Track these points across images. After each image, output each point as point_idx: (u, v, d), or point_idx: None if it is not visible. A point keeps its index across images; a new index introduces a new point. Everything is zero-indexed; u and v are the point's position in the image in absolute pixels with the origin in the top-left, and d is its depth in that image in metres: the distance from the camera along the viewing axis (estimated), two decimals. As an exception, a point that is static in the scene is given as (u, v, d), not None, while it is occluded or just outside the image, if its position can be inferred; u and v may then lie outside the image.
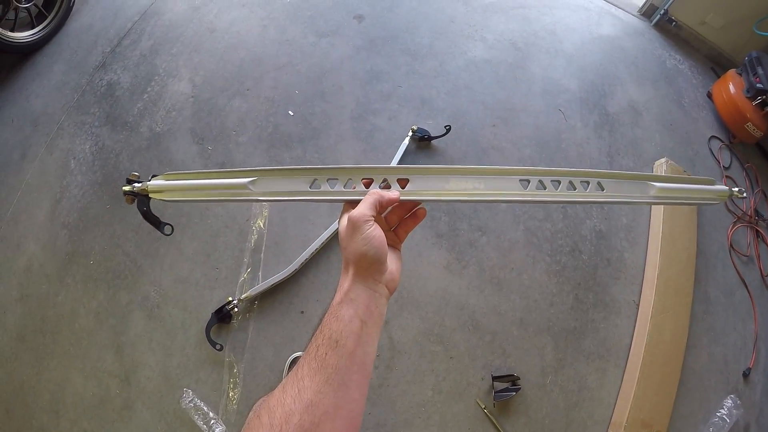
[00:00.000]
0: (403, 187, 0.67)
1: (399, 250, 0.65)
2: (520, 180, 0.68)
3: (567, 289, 1.73)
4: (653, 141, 2.18)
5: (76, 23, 2.45)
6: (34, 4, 2.26)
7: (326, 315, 0.56)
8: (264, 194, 0.68)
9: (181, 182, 0.71)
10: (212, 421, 1.50)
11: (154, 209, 0.73)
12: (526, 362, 1.60)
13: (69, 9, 2.42)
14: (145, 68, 2.18)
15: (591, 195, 0.70)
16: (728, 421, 1.62)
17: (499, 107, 2.06)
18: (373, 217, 0.58)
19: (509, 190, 0.68)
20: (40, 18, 2.33)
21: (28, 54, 2.35)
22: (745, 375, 1.73)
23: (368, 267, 0.57)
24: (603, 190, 0.70)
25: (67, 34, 2.41)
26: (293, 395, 0.50)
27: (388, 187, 0.67)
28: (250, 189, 0.68)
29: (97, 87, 2.16)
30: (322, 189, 0.67)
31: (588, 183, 0.70)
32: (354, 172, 0.67)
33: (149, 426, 1.51)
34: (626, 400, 1.56)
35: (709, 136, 2.33)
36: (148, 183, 0.71)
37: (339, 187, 0.67)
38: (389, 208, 0.66)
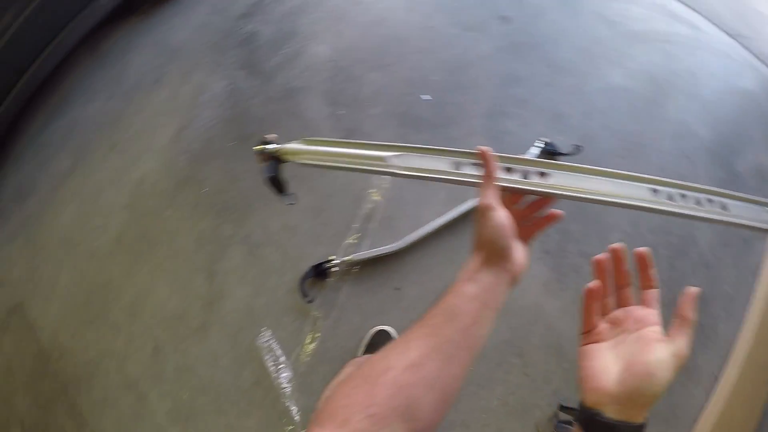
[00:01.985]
0: (542, 180, 0.66)
1: (527, 245, 0.64)
2: (650, 188, 0.69)
3: (656, 340, 1.69)
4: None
5: (226, -29, 2.53)
6: None
7: (448, 291, 0.56)
8: (405, 169, 0.67)
9: (320, 148, 0.69)
10: (281, 366, 1.54)
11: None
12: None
13: (221, -48, 2.50)
14: (287, 25, 2.25)
15: (714, 213, 0.69)
16: None
17: (629, 140, 2.00)
18: (497, 202, 0.58)
19: (640, 196, 0.69)
20: None
21: None
22: None
23: (496, 254, 0.56)
24: (726, 210, 0.70)
25: None
26: (398, 352, 0.50)
27: (525, 177, 0.66)
28: (392, 162, 0.67)
29: (238, 34, 2.25)
30: (464, 171, 0.66)
31: (713, 201, 0.70)
32: (502, 161, 0.65)
33: (219, 352, 1.57)
34: None
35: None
36: (285, 146, 0.68)
37: (482, 172, 0.66)
38: (523, 203, 0.66)
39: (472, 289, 0.55)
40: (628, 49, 2.28)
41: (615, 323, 0.60)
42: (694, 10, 2.65)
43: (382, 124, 1.94)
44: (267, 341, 1.58)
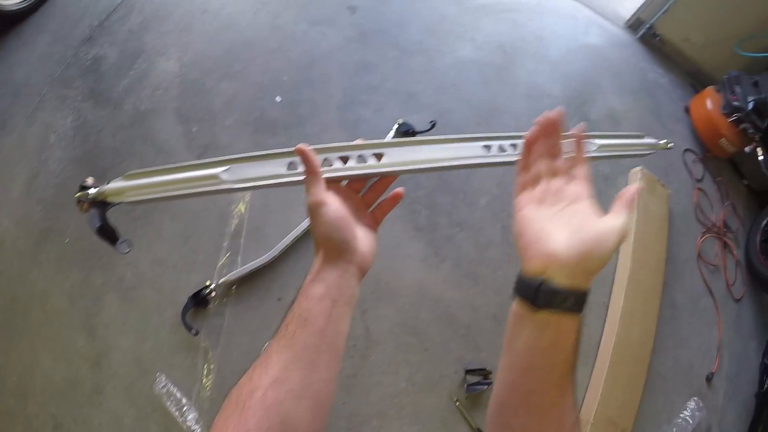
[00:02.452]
0: (379, 161, 0.66)
1: (375, 231, 0.63)
2: (483, 145, 0.72)
3: (540, 288, 1.77)
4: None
5: (65, -7, 2.38)
6: None
7: (297, 296, 0.55)
8: (239, 182, 0.63)
9: (146, 180, 0.62)
10: (185, 408, 1.47)
11: (115, 213, 0.64)
12: (498, 357, 1.63)
13: (58, -22, 2.35)
14: (132, 44, 2.14)
15: None
16: (691, 422, 1.68)
17: (483, 107, 2.10)
18: (326, 196, 0.56)
19: (474, 154, 0.71)
20: None
21: (13, 22, 2.26)
22: (708, 379, 1.80)
23: (335, 248, 0.55)
24: None
25: (55, 4, 2.34)
26: (260, 371, 0.49)
27: (365, 162, 0.65)
28: (223, 178, 0.62)
29: (82, 60, 2.11)
30: (300, 170, 0.62)
31: None
32: (331, 151, 0.65)
33: (120, 411, 1.48)
34: (594, 398, 1.59)
35: (684, 149, 2.40)
36: (105, 187, 0.61)
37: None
38: (366, 187, 0.65)
39: (318, 290, 0.53)
40: (475, 23, 2.38)
41: (551, 193, 0.57)
42: (538, -22, 2.81)
43: (238, 134, 1.90)
44: (164, 386, 1.50)
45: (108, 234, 0.61)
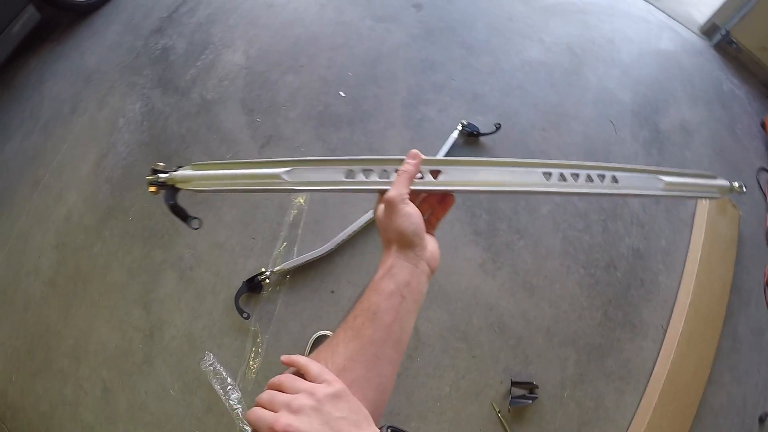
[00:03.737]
0: (435, 178, 0.68)
1: (433, 236, 0.66)
2: (543, 173, 0.71)
3: (597, 305, 1.70)
4: (701, 165, 2.13)
5: (136, -14, 2.48)
6: None
7: (367, 289, 0.57)
8: (299, 184, 0.67)
9: (211, 172, 0.68)
10: (229, 387, 1.52)
11: (181, 195, 0.70)
12: (547, 372, 1.59)
13: (129, -29, 2.44)
14: (200, 36, 2.20)
15: (607, 187, 0.73)
16: None
17: (550, 111, 2.03)
18: (408, 195, 0.60)
19: (534, 181, 0.70)
20: None
21: (86, 13, 2.39)
22: (762, 420, 1.69)
23: (409, 242, 0.58)
24: (617, 182, 0.74)
25: None
26: (326, 358, 0.51)
27: (420, 177, 0.67)
28: (284, 179, 0.67)
29: (151, 50, 2.20)
30: (358, 179, 0.67)
31: (604, 176, 0.73)
32: (388, 163, 0.67)
33: (166, 383, 1.55)
34: (640, 426, 1.53)
35: (759, 167, 2.26)
36: (174, 173, 0.68)
37: (374, 177, 0.67)
38: (421, 196, 0.67)
39: (389, 285, 0.55)
40: (544, 24, 2.31)
41: None
42: (608, -22, 2.70)
43: (301, 126, 1.91)
44: (211, 364, 1.56)
45: (180, 212, 0.68)
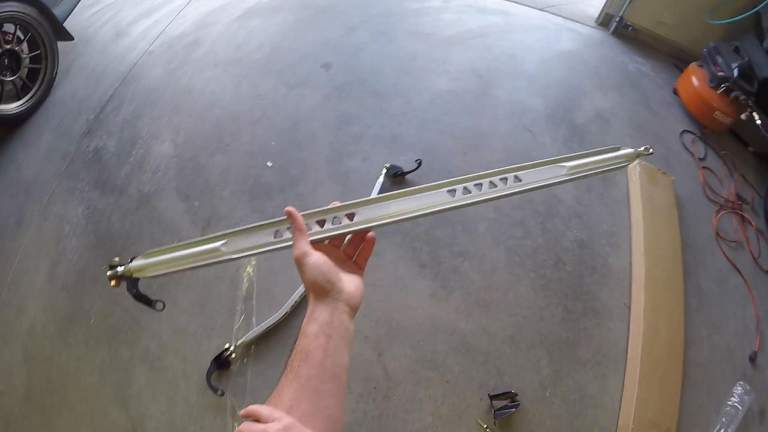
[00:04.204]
0: (351, 220, 0.75)
1: (360, 276, 0.72)
2: (447, 191, 0.78)
3: (555, 302, 1.75)
4: (625, 145, 2.22)
5: (60, 92, 2.58)
6: (19, 77, 2.37)
7: (298, 336, 0.63)
8: (235, 252, 0.75)
9: (161, 258, 0.75)
10: None
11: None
12: (523, 378, 1.62)
13: (52, 79, 2.55)
14: (128, 132, 2.29)
15: (511, 188, 0.79)
16: (740, 408, 1.60)
17: (467, 135, 2.14)
18: (309, 249, 0.66)
19: (440, 201, 0.77)
20: (25, 90, 2.43)
21: (16, 125, 2.44)
22: (752, 359, 1.73)
23: (322, 290, 0.64)
24: (521, 180, 0.80)
25: (53, 104, 2.53)
26: (275, 402, 0.57)
27: (340, 223, 0.75)
28: (222, 250, 0.74)
29: (84, 153, 2.26)
30: (284, 237, 0.74)
31: (506, 179, 0.80)
32: (308, 217, 0.74)
33: None
34: (630, 403, 1.55)
35: (681, 131, 2.39)
36: (129, 265, 0.74)
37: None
38: (347, 239, 0.74)
39: (313, 328, 0.62)
40: (446, 55, 2.46)
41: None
42: (500, -2, 2.90)
43: (236, 203, 1.99)
44: None
45: (143, 298, 0.75)
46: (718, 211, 2.09)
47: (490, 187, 0.80)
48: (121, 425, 1.61)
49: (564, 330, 1.71)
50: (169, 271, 0.74)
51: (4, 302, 1.93)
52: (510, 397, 1.56)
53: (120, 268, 0.73)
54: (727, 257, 1.95)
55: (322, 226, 0.75)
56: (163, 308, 0.76)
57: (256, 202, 1.99)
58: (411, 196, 0.78)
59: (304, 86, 2.35)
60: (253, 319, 1.72)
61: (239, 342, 1.65)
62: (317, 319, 0.63)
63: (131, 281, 0.74)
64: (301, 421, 0.54)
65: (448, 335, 1.68)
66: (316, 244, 0.71)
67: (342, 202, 0.75)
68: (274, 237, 0.75)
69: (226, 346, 1.64)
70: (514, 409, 1.53)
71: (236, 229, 0.76)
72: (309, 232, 0.73)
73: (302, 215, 0.72)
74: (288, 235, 0.74)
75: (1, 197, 2.25)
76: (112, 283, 0.73)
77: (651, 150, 0.92)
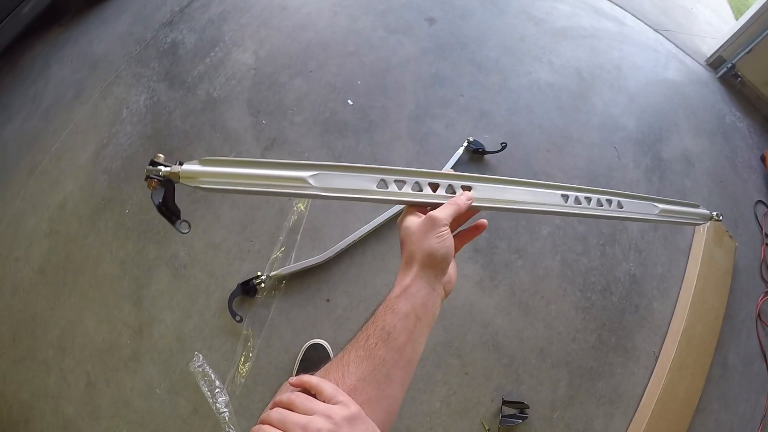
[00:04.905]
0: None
1: (454, 258, 0.66)
2: (562, 195, 0.78)
3: (591, 328, 1.71)
4: (701, 195, 2.14)
5: (150, -23, 2.47)
6: None
7: (381, 307, 0.56)
8: (327, 190, 0.64)
9: (223, 169, 0.61)
10: (217, 390, 1.50)
11: (179, 193, 0.63)
12: (538, 392, 1.59)
13: (145, -40, 2.43)
14: (211, 33, 2.19)
15: (613, 211, 0.84)
16: None
17: (555, 133, 2.04)
18: (449, 222, 0.60)
19: (553, 202, 0.77)
20: None
21: (97, 1, 2.39)
22: None
23: (435, 265, 0.57)
24: (622, 207, 0.84)
25: None
26: (337, 378, 0.51)
27: (453, 193, 0.69)
28: (311, 183, 0.63)
29: (160, 43, 2.19)
30: (390, 189, 0.67)
31: (611, 201, 0.83)
32: (422, 176, 0.68)
33: (153, 381, 1.52)
34: None
35: (756, 200, 2.28)
36: (178, 168, 0.60)
37: (407, 189, 0.67)
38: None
39: (405, 306, 0.55)
40: (554, 46, 2.32)
41: None
42: (619, 6, 2.74)
43: (306, 132, 1.91)
44: (200, 366, 1.54)
45: (168, 212, 0.62)
46: (766, 293, 2.01)
47: (597, 204, 0.81)
48: (128, 322, 1.60)
49: (591, 358, 1.67)
50: (232, 187, 0.61)
51: (42, 172, 1.91)
52: (521, 407, 1.54)
53: (164, 168, 0.59)
54: (760, 341, 1.88)
55: (434, 191, 0.68)
56: (188, 231, 0.64)
57: (327, 137, 1.91)
58: (528, 188, 0.75)
59: (404, 34, 2.23)
60: (293, 254, 1.67)
61: (272, 273, 1.60)
62: (413, 296, 0.56)
63: (167, 187, 0.60)
64: (363, 407, 0.48)
65: (482, 328, 1.64)
66: (421, 209, 0.64)
67: (415, 162, 0.70)
68: (377, 186, 0.66)
69: (258, 273, 1.60)
70: (520, 421, 1.52)
71: (334, 163, 0.65)
72: (420, 194, 0.66)
73: (411, 171, 0.67)
74: (393, 188, 0.67)
75: (65, 68, 2.20)
76: (150, 183, 0.59)
77: (721, 217, 0.98)
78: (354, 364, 0.52)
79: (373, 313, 0.56)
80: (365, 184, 0.66)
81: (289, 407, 0.48)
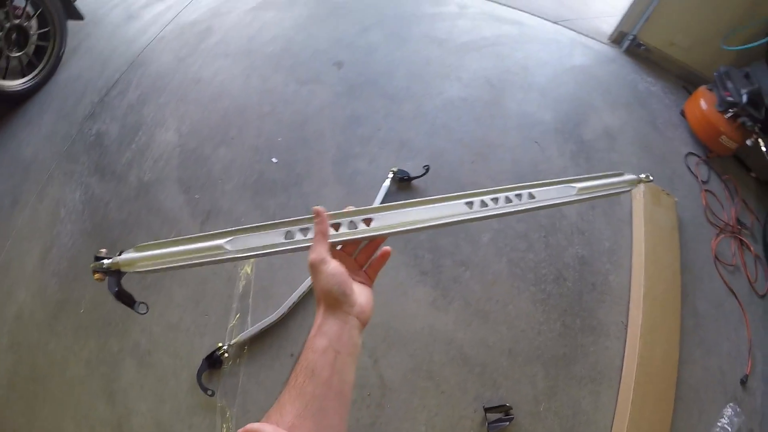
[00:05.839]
0: (368, 226, 0.73)
1: (370, 288, 0.69)
2: (465, 203, 0.78)
3: (554, 317, 1.75)
4: (630, 164, 2.24)
5: (66, 73, 2.54)
6: (25, 53, 2.34)
7: (303, 348, 0.60)
8: (241, 252, 0.70)
9: (156, 252, 0.70)
10: None
11: (127, 282, 0.70)
12: (518, 391, 1.61)
13: (59, 59, 2.51)
14: (132, 118, 2.25)
15: (525, 203, 0.82)
16: (730, 429, 1.62)
17: (476, 144, 2.13)
18: (328, 255, 0.63)
19: (458, 212, 0.77)
20: (30, 67, 2.40)
21: (18, 102, 2.41)
22: (743, 382, 1.74)
23: (335, 301, 0.61)
24: (534, 198, 0.83)
25: (57, 84, 2.49)
26: (276, 419, 0.53)
27: (354, 227, 0.72)
28: (227, 248, 0.70)
29: (86, 136, 2.23)
30: (296, 238, 0.71)
31: (521, 195, 0.82)
32: (328, 218, 0.71)
33: None
34: (622, 421, 1.55)
35: (686, 153, 2.39)
36: (118, 258, 0.68)
37: (311, 235, 0.71)
38: (357, 250, 0.71)
39: (322, 342, 0.58)
40: (460, 62, 2.44)
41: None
42: (516, 8, 2.90)
43: (238, 198, 1.96)
44: None
45: (126, 298, 0.69)
46: (717, 235, 2.09)
47: (505, 202, 0.81)
48: (106, 419, 1.58)
49: (561, 345, 1.71)
50: (164, 266, 0.69)
51: None
52: (504, 410, 1.55)
53: (107, 261, 0.67)
54: (724, 281, 1.96)
55: (336, 230, 0.72)
56: (147, 311, 0.70)
57: (258, 199, 1.96)
58: (429, 205, 0.77)
59: (315, 83, 2.33)
60: (249, 319, 1.70)
61: (233, 341, 1.62)
62: (327, 333, 0.59)
63: (116, 276, 0.68)
64: None
65: (446, 345, 1.67)
66: (332, 250, 0.67)
67: (347, 204, 0.73)
68: (285, 238, 0.71)
69: (219, 344, 1.61)
70: (507, 423, 1.53)
71: (244, 226, 0.71)
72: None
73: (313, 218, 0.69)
74: (300, 236, 0.71)
75: None
76: (96, 276, 0.67)
77: (651, 178, 0.96)
78: (289, 404, 0.54)
79: (299, 355, 0.60)
80: (274, 238, 0.72)
81: None
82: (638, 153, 2.32)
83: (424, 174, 1.93)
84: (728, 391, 1.72)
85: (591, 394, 1.63)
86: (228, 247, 0.70)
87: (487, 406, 1.56)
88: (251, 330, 1.64)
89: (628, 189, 0.95)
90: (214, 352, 1.60)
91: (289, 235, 0.72)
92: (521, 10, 2.91)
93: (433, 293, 1.75)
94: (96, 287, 1.78)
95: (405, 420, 1.55)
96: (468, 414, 1.57)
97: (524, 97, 2.35)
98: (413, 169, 1.96)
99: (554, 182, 0.86)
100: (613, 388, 1.65)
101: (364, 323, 0.64)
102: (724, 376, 1.75)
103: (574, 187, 0.87)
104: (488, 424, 1.52)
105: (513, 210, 0.81)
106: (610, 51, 2.91)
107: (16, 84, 2.35)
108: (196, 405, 1.57)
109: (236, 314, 1.71)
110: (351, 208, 0.74)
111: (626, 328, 1.76)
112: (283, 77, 2.36)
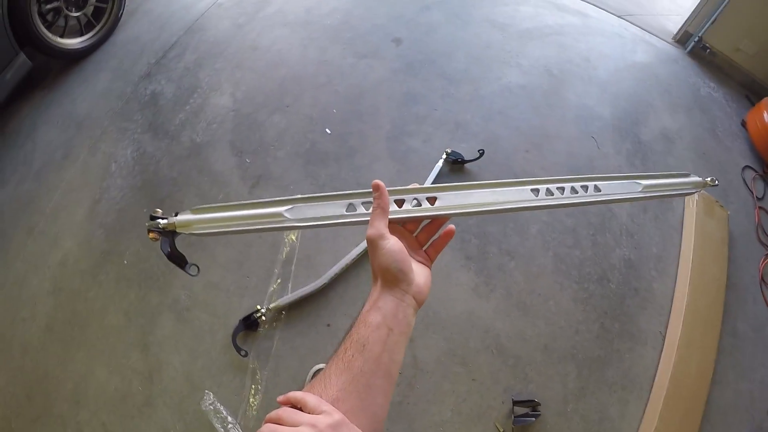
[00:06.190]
0: (432, 204, 0.71)
1: (429, 268, 0.67)
2: (531, 189, 0.76)
3: (593, 318, 1.72)
4: (685, 170, 2.16)
5: (124, 34, 2.57)
6: (84, 14, 2.36)
7: (355, 321, 0.58)
8: (301, 221, 0.69)
9: (211, 215, 0.68)
10: (230, 426, 1.51)
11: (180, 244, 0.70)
12: (548, 388, 1.60)
13: (117, 20, 2.54)
14: (188, 80, 2.27)
15: (591, 196, 0.79)
16: None
17: (532, 133, 2.08)
18: (386, 230, 0.61)
19: (524, 198, 0.75)
20: (89, 27, 2.43)
21: (76, 60, 2.45)
22: None
23: (393, 278, 0.59)
24: (600, 191, 0.80)
25: (114, 44, 2.53)
26: (320, 390, 0.53)
27: (417, 204, 0.70)
28: (287, 217, 0.68)
29: (141, 96, 2.26)
30: (358, 211, 0.69)
31: (587, 186, 0.79)
32: (389, 194, 0.69)
33: (167, 424, 1.54)
34: None
35: (743, 166, 2.30)
36: (174, 218, 0.67)
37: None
38: (420, 228, 0.69)
39: (376, 318, 0.57)
40: (521, 48, 2.38)
41: None
42: (581, -1, 2.80)
43: (290, 165, 1.96)
44: (212, 403, 1.55)
45: (177, 259, 0.67)
46: (767, 255, 2.02)
47: (571, 192, 0.78)
48: (137, 369, 1.62)
49: (597, 348, 1.68)
50: (221, 230, 0.68)
51: (40, 232, 1.95)
52: (533, 405, 1.55)
53: (162, 221, 0.66)
54: (767, 304, 1.89)
55: (400, 206, 0.69)
56: (197, 273, 0.68)
57: (310, 168, 1.96)
58: (494, 188, 0.75)
59: (373, 58, 2.30)
60: (290, 285, 1.71)
61: (271, 305, 1.64)
62: (381, 309, 0.57)
63: (169, 237, 0.67)
64: (347, 416, 0.50)
65: (483, 333, 1.66)
66: (390, 225, 0.64)
67: (398, 180, 0.71)
68: (346, 210, 0.69)
69: (258, 307, 1.63)
70: (534, 419, 1.52)
71: (306, 195, 0.69)
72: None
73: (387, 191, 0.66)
74: (362, 210, 0.69)
75: (52, 129, 2.26)
76: (151, 236, 0.66)
77: (717, 182, 0.92)
78: (335, 376, 0.54)
79: (349, 328, 0.59)
80: (336, 210, 0.70)
81: (278, 422, 0.51)
82: (694, 159, 2.24)
83: (478, 158, 1.90)
84: (755, 418, 1.68)
85: (619, 402, 1.61)
86: (287, 215, 0.69)
87: (516, 399, 1.55)
88: (291, 296, 1.65)
89: (693, 191, 0.91)
90: (251, 314, 1.62)
91: (351, 207, 0.70)
92: (586, 1, 2.81)
93: (476, 279, 1.74)
94: (141, 241, 1.83)
95: (433, 403, 1.56)
96: (496, 405, 1.57)
97: (584, 90, 2.28)
98: (467, 152, 1.93)
99: (620, 176, 0.83)
100: (643, 398, 1.62)
101: (420, 303, 0.62)
102: (753, 403, 1.70)
103: (640, 183, 0.84)
104: (514, 417, 1.52)
105: (578, 201, 0.78)
106: (673, 51, 2.79)
107: (74, 42, 2.38)
108: (228, 364, 1.60)
109: (277, 279, 1.73)
110: (415, 185, 0.71)
111: (664, 339, 1.72)
112: (340, 50, 2.33)
